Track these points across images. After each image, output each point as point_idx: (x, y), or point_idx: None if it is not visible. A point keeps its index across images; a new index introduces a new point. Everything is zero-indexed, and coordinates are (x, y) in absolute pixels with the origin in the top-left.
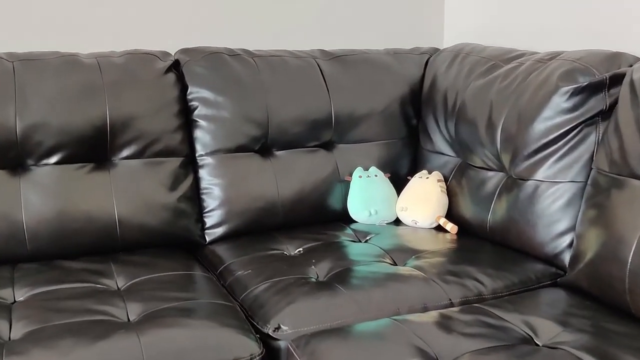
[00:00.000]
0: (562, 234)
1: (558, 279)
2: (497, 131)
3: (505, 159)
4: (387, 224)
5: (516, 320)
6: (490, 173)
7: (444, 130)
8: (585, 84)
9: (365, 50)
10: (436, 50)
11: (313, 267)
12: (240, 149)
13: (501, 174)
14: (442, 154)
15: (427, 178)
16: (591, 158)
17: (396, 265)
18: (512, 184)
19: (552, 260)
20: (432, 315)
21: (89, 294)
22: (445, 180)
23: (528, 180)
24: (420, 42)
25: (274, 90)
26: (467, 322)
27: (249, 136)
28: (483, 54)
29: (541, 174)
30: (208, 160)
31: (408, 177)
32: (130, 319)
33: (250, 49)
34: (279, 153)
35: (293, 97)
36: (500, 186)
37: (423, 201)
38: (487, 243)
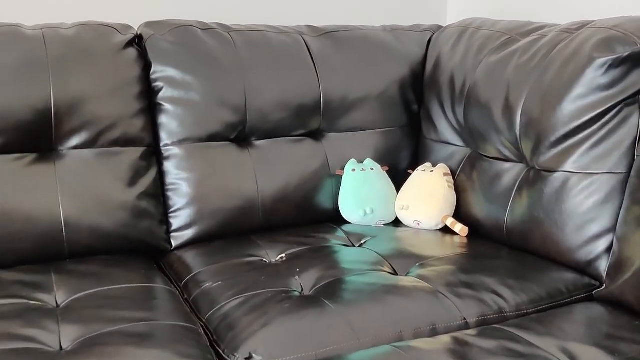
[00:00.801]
0: (598, 236)
1: (594, 292)
2: (517, 114)
3: (527, 147)
4: (384, 225)
5: (550, 346)
6: (508, 164)
7: (450, 116)
8: (626, 54)
9: (360, 26)
10: (439, 27)
11: (297, 277)
12: (212, 137)
13: (521, 165)
14: (449, 143)
15: (432, 172)
16: (634, 144)
17: (397, 275)
18: (535, 176)
19: (584, 268)
20: (444, 341)
21: (16, 313)
22: (453, 173)
23: (555, 172)
24: (421, 20)
25: (253, 70)
26: (489, 350)
27: (223, 123)
28: (496, 27)
29: (572, 164)
30: (175, 150)
31: (409, 171)
32: (63, 347)
33: (228, 23)
34: (258, 143)
35: (275, 78)
36: (520, 180)
37: (427, 198)
38: (504, 248)
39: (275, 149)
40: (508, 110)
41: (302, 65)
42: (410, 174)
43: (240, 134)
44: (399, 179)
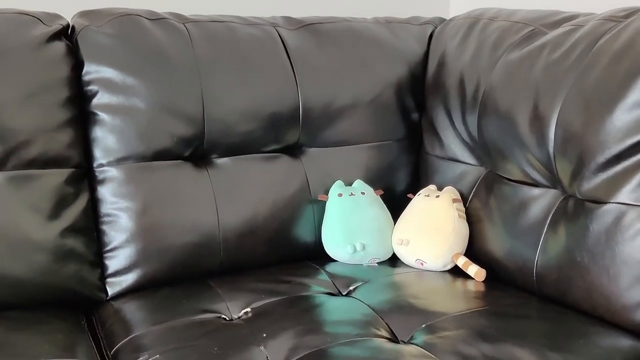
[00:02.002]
0: None
1: None
2: (549, 127)
3: (564, 170)
4: (379, 263)
5: None
6: (537, 190)
7: (460, 127)
8: None
9: (348, 18)
10: (442, 20)
11: (262, 347)
12: (160, 155)
13: (555, 191)
14: (458, 161)
15: (437, 197)
16: None
17: (397, 341)
18: (577, 208)
19: None
20: None
21: None
22: (464, 199)
23: (605, 203)
24: (420, 11)
25: (213, 70)
26: None
27: (174, 136)
28: (514, 17)
29: (628, 194)
30: (112, 172)
31: (409, 196)
32: None
33: (185, 13)
34: (220, 161)
35: (242, 80)
36: (554, 210)
37: (432, 232)
38: (533, 299)
39: (241, 169)
40: (537, 121)
41: (276, 65)
42: (410, 199)
43: (196, 151)
44: (396, 205)
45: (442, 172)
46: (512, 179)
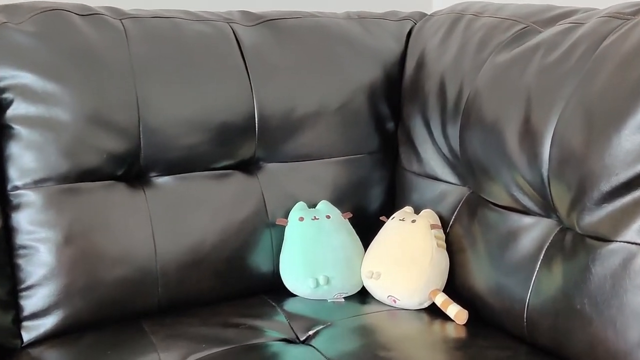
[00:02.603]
0: None
1: None
2: (543, 144)
3: (560, 197)
4: (346, 298)
5: None
6: (528, 219)
7: (439, 139)
8: None
9: (315, 12)
10: (423, 15)
11: None
12: (87, 175)
13: (549, 221)
14: (437, 179)
15: (413, 222)
16: None
17: None
18: (576, 244)
19: None
20: None
21: None
22: (444, 224)
23: (611, 241)
24: (398, 5)
25: (153, 74)
26: None
27: (104, 152)
28: (503, 13)
29: (638, 232)
30: (29, 196)
31: (381, 219)
32: None
33: (125, 8)
34: (160, 181)
35: (186, 85)
36: (548, 244)
37: (407, 263)
38: (523, 349)
39: (185, 189)
40: (529, 136)
41: (228, 66)
42: (383, 223)
43: (131, 169)
44: (367, 229)
45: (419, 191)
46: (499, 204)
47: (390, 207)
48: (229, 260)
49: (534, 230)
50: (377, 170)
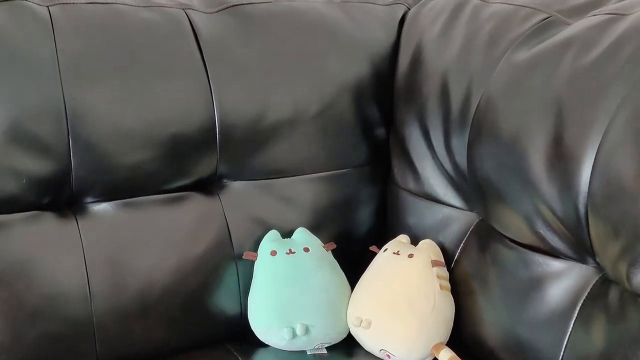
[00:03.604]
0: None
1: None
2: (581, 170)
3: (603, 242)
4: (328, 349)
5: None
6: (558, 263)
7: (441, 153)
8: None
9: None
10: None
11: None
12: (4, 205)
13: (585, 268)
14: (439, 201)
15: (411, 257)
16: None
17: None
18: (624, 301)
19: None
20: None
21: None
22: (447, 258)
23: None
24: None
25: (85, 75)
26: None
27: (23, 176)
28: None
29: None
30: None
31: (372, 249)
32: None
33: None
34: (97, 209)
35: (129, 88)
36: (585, 297)
37: (404, 310)
38: None
39: (129, 218)
40: (561, 159)
41: (182, 64)
42: (373, 254)
43: (60, 195)
44: (353, 262)
45: (416, 215)
46: (518, 240)
47: (380, 232)
48: (185, 306)
49: (565, 279)
50: (365, 188)
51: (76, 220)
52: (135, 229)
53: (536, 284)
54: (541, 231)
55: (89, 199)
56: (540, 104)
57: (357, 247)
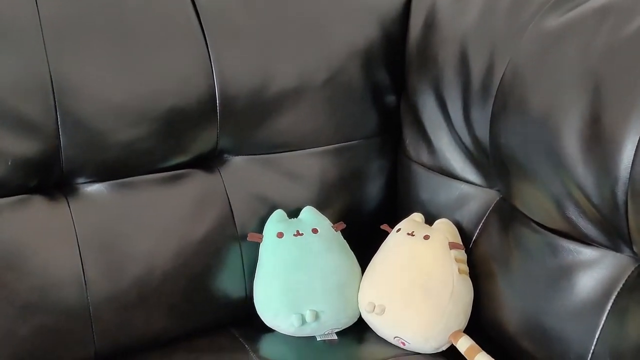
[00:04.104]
0: None
1: None
2: (621, 153)
3: None
4: (339, 334)
5: None
6: (589, 251)
7: (460, 126)
8: None
9: None
10: None
11: None
12: None
13: (620, 257)
14: (455, 177)
15: (427, 238)
16: None
17: None
18: None
19: None
20: None
21: None
22: (465, 239)
23: None
24: None
25: (72, 44)
26: None
27: (9, 157)
28: None
29: None
30: None
31: (384, 227)
32: None
33: None
34: (90, 190)
35: (121, 58)
36: (620, 287)
37: (419, 296)
38: None
39: (124, 199)
40: (599, 140)
41: (178, 31)
42: (385, 233)
43: (49, 177)
44: (363, 241)
45: (431, 191)
46: (545, 224)
47: (391, 209)
48: (186, 291)
49: (597, 268)
50: (375, 161)
51: (68, 203)
52: (131, 211)
53: (565, 272)
54: (573, 217)
55: (80, 180)
56: (575, 79)
57: (367, 226)
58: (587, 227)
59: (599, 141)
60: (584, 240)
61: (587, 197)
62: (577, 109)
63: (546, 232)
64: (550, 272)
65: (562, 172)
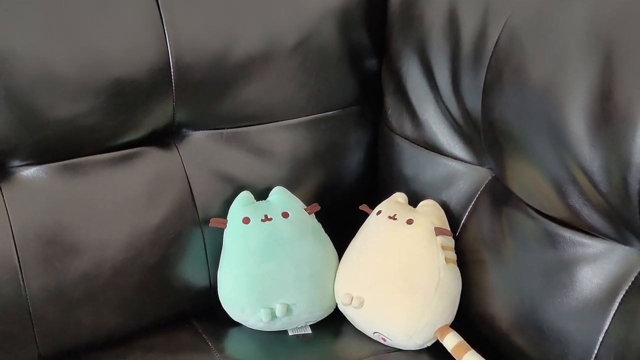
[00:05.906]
0: None
1: None
2: (636, 137)
3: None
4: (313, 327)
5: None
6: (595, 243)
7: (447, 95)
8: None
9: None
10: None
11: None
12: None
13: (629, 251)
14: (441, 153)
15: (410, 222)
16: None
17: None
18: None
19: None
20: None
21: None
22: (453, 222)
23: None
24: None
25: (3, 7)
26: None
27: None
28: None
29: None
30: None
31: (363, 208)
32: None
33: None
34: (27, 175)
35: (60, 23)
36: (630, 285)
37: (402, 287)
38: None
39: (67, 184)
40: (609, 119)
41: None
42: (365, 215)
43: None
44: (341, 225)
45: (415, 168)
46: (543, 211)
47: (371, 187)
48: (141, 285)
49: (603, 262)
50: (353, 132)
51: (0, 190)
52: (76, 197)
53: (566, 265)
54: (576, 204)
55: (15, 163)
56: (582, 46)
57: (344, 207)
58: (591, 217)
59: (609, 119)
60: (588, 231)
61: (593, 183)
62: (584, 81)
63: (544, 219)
64: (548, 264)
65: (564, 153)
